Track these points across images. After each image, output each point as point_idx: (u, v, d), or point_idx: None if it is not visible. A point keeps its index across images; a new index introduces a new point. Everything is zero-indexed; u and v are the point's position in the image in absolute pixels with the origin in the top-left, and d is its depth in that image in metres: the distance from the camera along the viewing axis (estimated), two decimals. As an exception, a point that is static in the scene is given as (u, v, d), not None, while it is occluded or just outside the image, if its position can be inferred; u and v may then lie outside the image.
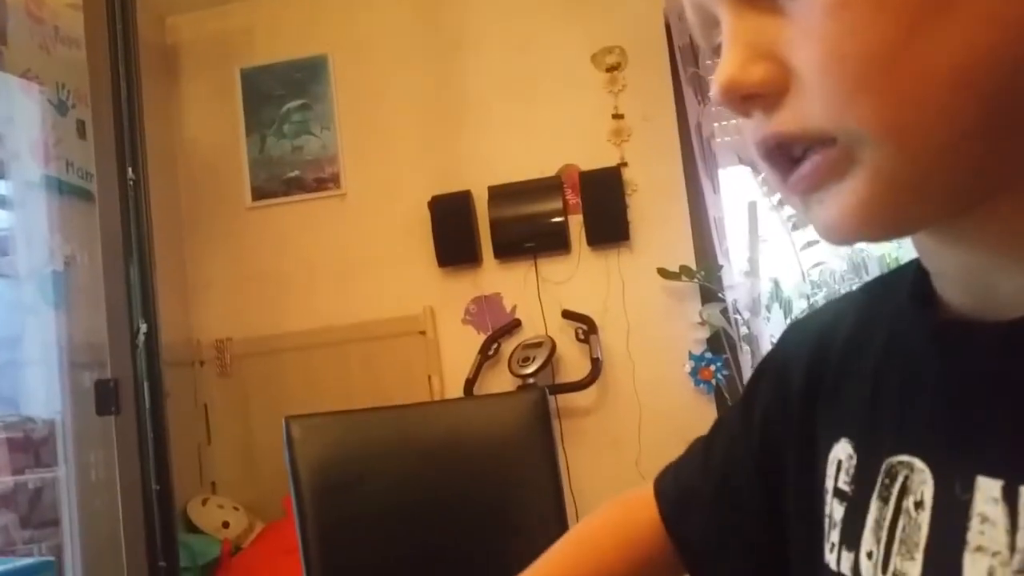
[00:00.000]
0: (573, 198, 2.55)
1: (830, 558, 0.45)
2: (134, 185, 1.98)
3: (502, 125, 2.62)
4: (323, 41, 2.76)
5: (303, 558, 1.12)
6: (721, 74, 0.36)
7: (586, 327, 2.49)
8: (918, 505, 0.39)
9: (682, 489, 0.61)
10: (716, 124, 2.56)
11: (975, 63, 0.32)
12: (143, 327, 1.80)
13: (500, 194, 2.59)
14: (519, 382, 2.37)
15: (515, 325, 2.58)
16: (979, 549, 0.35)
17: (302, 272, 2.71)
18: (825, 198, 0.36)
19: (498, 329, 2.57)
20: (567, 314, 2.54)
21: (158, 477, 1.74)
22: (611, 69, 2.62)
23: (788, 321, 2.43)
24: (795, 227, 2.39)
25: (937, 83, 0.32)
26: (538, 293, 2.57)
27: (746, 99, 0.36)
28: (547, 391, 1.33)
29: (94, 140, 2.13)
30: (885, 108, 0.33)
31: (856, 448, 0.45)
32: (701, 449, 0.62)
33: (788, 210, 2.39)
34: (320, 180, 2.74)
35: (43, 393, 2.12)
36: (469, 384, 2.47)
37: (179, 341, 2.62)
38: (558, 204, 2.54)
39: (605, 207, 2.52)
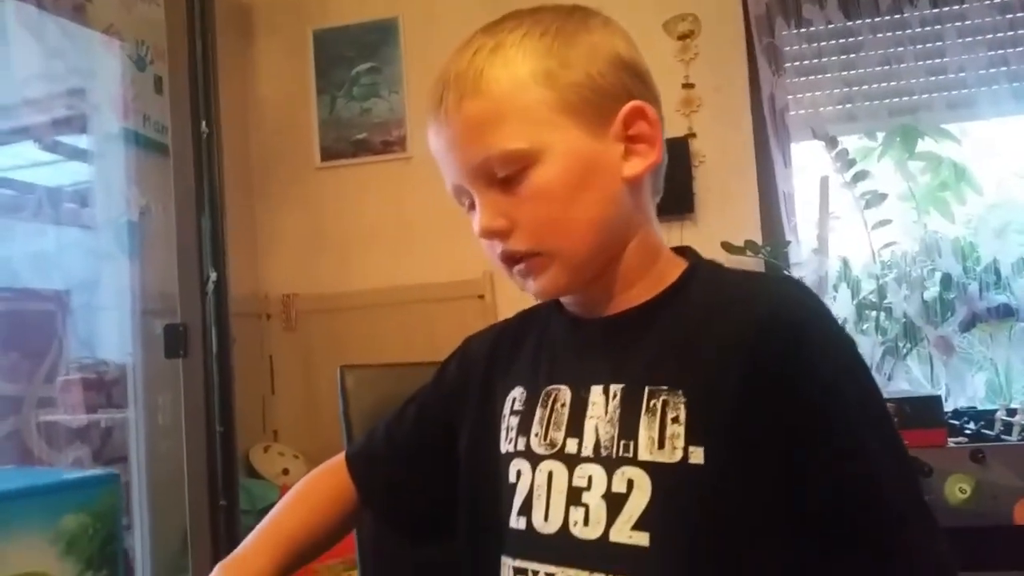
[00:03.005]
0: (638, 168, 2.53)
1: (507, 447, 0.76)
2: (207, 139, 2.03)
3: (569, 91, 2.59)
4: (394, 4, 2.77)
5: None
6: (479, 223, 0.71)
7: (646, 298, 2.46)
8: (563, 405, 0.73)
9: (373, 451, 0.88)
10: (790, 97, 2.48)
11: (597, 220, 0.71)
12: (212, 275, 1.86)
13: (565, 161, 2.57)
14: (575, 349, 2.36)
15: (574, 293, 2.57)
16: (591, 417, 0.70)
17: (366, 232, 2.75)
18: (535, 279, 0.72)
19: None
20: (627, 284, 2.52)
21: (222, 419, 1.80)
22: (683, 37, 2.56)
23: (855, 302, 2.37)
24: (868, 205, 2.31)
25: (580, 230, 0.70)
26: (599, 262, 2.55)
27: (493, 234, 0.71)
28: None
29: (170, 95, 2.19)
30: (557, 241, 0.70)
31: (525, 388, 0.78)
32: (391, 420, 0.89)
33: (862, 187, 2.31)
34: (387, 143, 2.76)
35: (116, 337, 2.20)
36: (526, 349, 2.48)
37: (247, 294, 2.68)
38: (623, 173, 2.52)
39: (670, 178, 2.44)
